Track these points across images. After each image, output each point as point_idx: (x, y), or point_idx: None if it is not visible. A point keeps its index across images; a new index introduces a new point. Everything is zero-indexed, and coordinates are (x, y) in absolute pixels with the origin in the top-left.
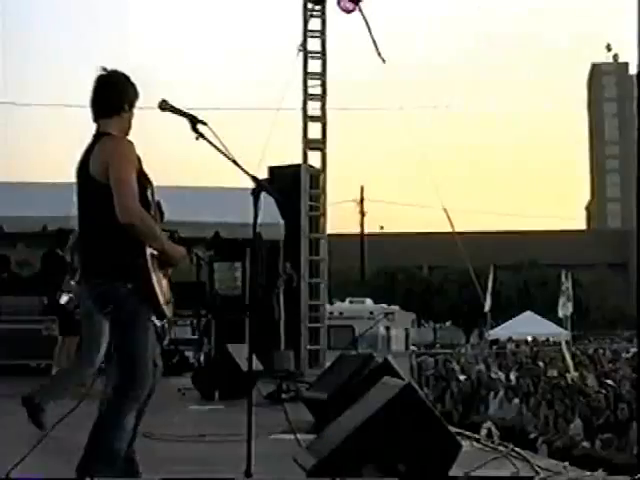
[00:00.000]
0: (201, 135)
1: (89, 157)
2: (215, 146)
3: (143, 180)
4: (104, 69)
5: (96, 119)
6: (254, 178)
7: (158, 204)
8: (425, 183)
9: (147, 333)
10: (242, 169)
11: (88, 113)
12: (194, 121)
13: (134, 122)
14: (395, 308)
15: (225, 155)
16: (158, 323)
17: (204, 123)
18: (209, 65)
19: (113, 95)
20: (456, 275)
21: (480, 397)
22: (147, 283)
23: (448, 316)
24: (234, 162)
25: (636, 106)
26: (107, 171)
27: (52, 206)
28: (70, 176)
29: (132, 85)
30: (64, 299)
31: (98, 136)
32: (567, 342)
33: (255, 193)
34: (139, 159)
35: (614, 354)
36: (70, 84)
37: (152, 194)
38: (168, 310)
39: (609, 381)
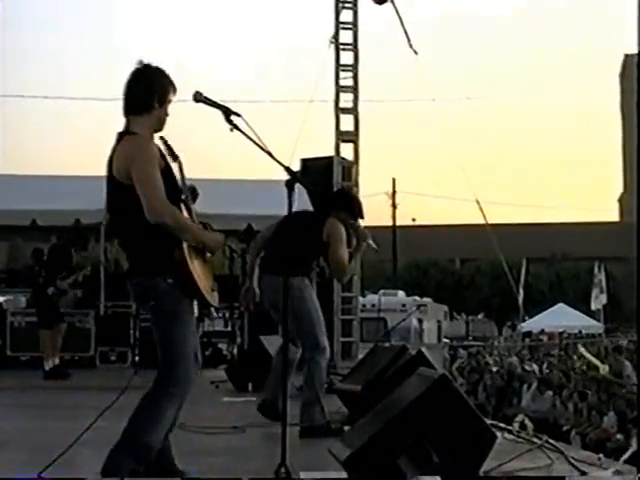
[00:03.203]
0: (235, 127)
1: (113, 157)
2: (250, 137)
3: (170, 173)
4: (140, 62)
5: (126, 115)
6: (288, 169)
7: (192, 188)
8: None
9: (189, 328)
10: (277, 160)
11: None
12: (228, 113)
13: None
14: (427, 300)
15: (260, 147)
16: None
17: (238, 115)
18: (242, 57)
19: (143, 92)
20: (488, 268)
21: (513, 389)
22: (187, 275)
23: (480, 309)
24: (269, 154)
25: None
26: (129, 172)
27: (85, 199)
28: (101, 170)
29: (166, 80)
30: (50, 290)
31: (122, 134)
32: (584, 345)
33: (289, 184)
34: (162, 153)
35: None
36: (105, 77)
37: (182, 172)
38: (213, 298)
39: None
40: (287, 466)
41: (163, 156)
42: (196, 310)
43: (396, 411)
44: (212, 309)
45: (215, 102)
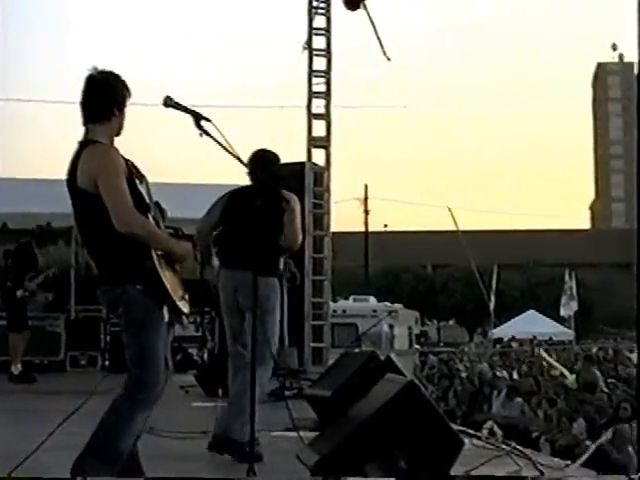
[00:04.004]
0: (205, 132)
1: (76, 167)
2: (219, 143)
3: (134, 183)
4: (95, 69)
5: (85, 123)
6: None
7: (157, 204)
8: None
9: (158, 335)
10: (246, 166)
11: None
12: (198, 118)
13: (137, 120)
14: (398, 306)
15: (229, 152)
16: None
17: (208, 120)
18: (213, 62)
19: (103, 100)
20: (460, 274)
21: (483, 396)
22: (158, 283)
23: (452, 315)
24: (238, 159)
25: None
26: (95, 182)
27: (56, 203)
28: None
29: (123, 86)
30: (19, 293)
31: (84, 143)
32: (546, 350)
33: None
34: (127, 162)
35: (616, 354)
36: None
37: (148, 192)
38: (184, 306)
39: (612, 380)
40: (255, 471)
41: (127, 165)
42: (167, 316)
43: (364, 417)
44: (184, 318)
45: (185, 107)
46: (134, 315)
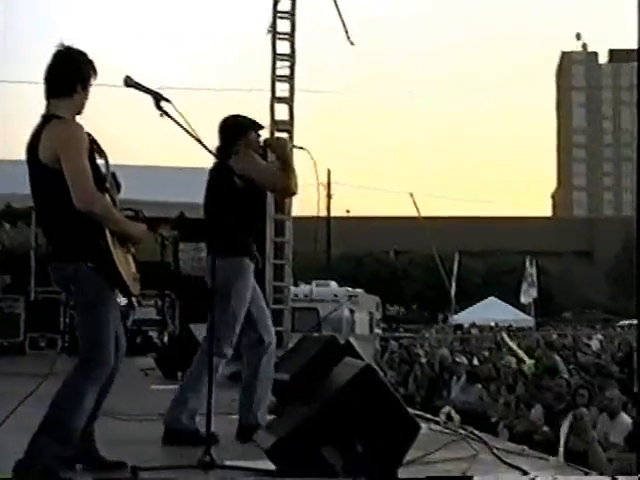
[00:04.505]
0: (165, 112)
1: (38, 141)
2: (179, 124)
3: (94, 158)
4: (62, 45)
5: (47, 97)
6: (216, 156)
7: (113, 175)
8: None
9: (110, 314)
10: (205, 147)
11: None
12: (158, 98)
13: (99, 99)
14: (360, 291)
15: (189, 133)
16: (122, 302)
17: (168, 100)
18: (176, 45)
19: (65, 76)
20: (422, 260)
21: (443, 381)
22: (109, 262)
23: (413, 300)
24: (198, 140)
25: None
26: (57, 158)
27: (16, 183)
28: None
29: (88, 64)
30: None
31: (47, 118)
32: (508, 334)
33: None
34: (89, 137)
35: (575, 341)
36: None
37: (107, 166)
38: (134, 287)
39: (571, 366)
40: (211, 454)
41: (90, 139)
42: (120, 297)
43: (320, 401)
44: (135, 299)
45: (146, 87)
46: (85, 293)
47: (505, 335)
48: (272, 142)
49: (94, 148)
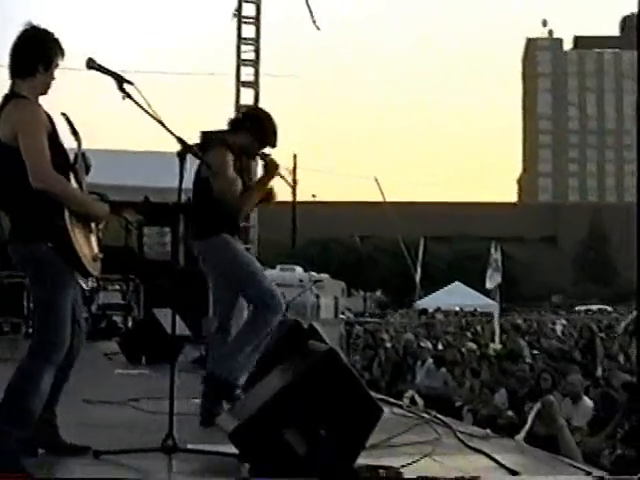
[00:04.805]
0: (128, 95)
1: None
2: (141, 107)
3: (57, 140)
4: (28, 24)
5: (11, 77)
6: (180, 140)
7: (83, 156)
8: (358, 153)
9: (67, 295)
10: (168, 130)
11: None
12: (120, 80)
13: (63, 83)
14: (325, 276)
15: (151, 116)
16: (85, 286)
17: (130, 83)
18: (141, 29)
19: (28, 56)
20: (387, 245)
21: (407, 366)
22: (67, 242)
23: (378, 285)
24: (160, 123)
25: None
26: (15, 135)
27: None
28: None
29: (53, 44)
30: None
31: (8, 97)
32: (480, 322)
33: (181, 155)
34: (51, 120)
35: (539, 326)
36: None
37: (79, 147)
38: (94, 268)
39: (535, 351)
40: (174, 437)
41: (51, 122)
42: (88, 282)
43: (283, 384)
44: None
45: (108, 70)
46: (43, 274)
47: (496, 315)
48: (270, 161)
49: (70, 128)
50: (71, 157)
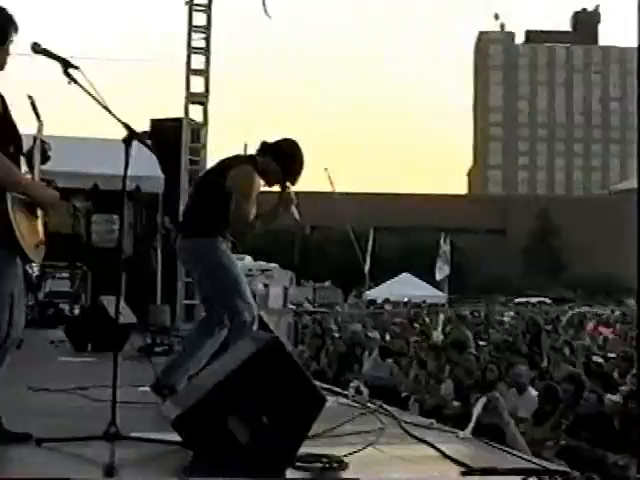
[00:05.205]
0: (74, 80)
1: None
2: (87, 91)
3: (9, 118)
4: None
5: None
6: (126, 126)
7: (43, 142)
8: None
9: (7, 281)
10: (114, 116)
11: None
12: (67, 65)
13: (10, 67)
14: (274, 266)
15: (97, 101)
16: (31, 272)
17: (76, 67)
18: (91, 15)
19: None
20: (337, 236)
21: (355, 356)
22: (6, 226)
23: (328, 276)
24: (106, 109)
25: (637, 102)
26: None
27: None
28: None
29: (7, 20)
30: None
31: None
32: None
33: (126, 141)
34: (3, 100)
35: (487, 317)
36: None
37: (39, 131)
38: (35, 254)
39: (482, 343)
40: (117, 425)
41: (3, 102)
42: (33, 269)
43: (226, 372)
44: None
45: (54, 54)
46: None
47: (442, 316)
48: (287, 195)
49: (34, 111)
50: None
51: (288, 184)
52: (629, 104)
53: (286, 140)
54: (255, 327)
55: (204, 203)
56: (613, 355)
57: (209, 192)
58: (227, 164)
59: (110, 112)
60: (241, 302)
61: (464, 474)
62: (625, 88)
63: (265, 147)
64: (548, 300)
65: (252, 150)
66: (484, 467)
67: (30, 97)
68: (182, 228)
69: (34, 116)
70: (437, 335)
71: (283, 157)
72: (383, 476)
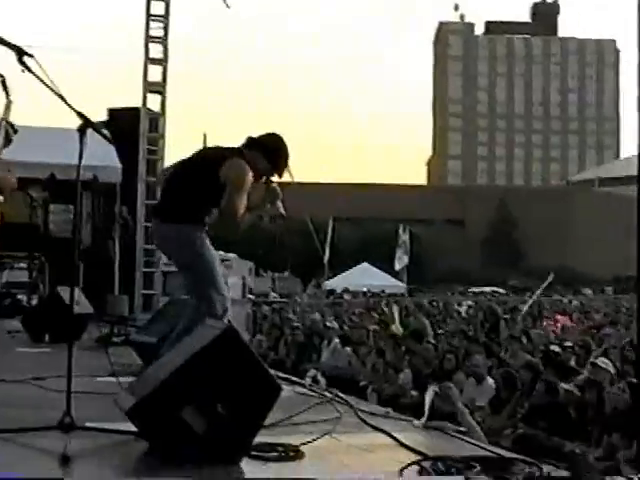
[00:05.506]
0: (28, 68)
1: None
2: (41, 80)
3: None
4: None
5: None
6: (80, 115)
7: (12, 126)
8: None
9: None
10: (68, 105)
11: None
12: (20, 53)
13: None
14: (232, 256)
15: (52, 90)
16: None
17: (30, 55)
18: (48, 2)
19: None
20: (296, 226)
21: (313, 346)
22: None
23: (287, 266)
24: (61, 97)
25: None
26: None
27: None
28: None
29: None
30: None
31: None
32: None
33: (81, 130)
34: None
35: (446, 307)
36: None
37: (6, 112)
38: None
39: (440, 331)
40: (72, 415)
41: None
42: None
43: (181, 361)
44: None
45: (7, 41)
46: None
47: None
48: (273, 190)
49: (4, 90)
50: None
51: (273, 178)
52: (587, 95)
53: (271, 135)
54: (226, 319)
55: (194, 190)
56: (570, 344)
57: (202, 179)
58: (222, 154)
59: (64, 101)
60: (215, 294)
61: (402, 471)
62: (584, 80)
63: (252, 142)
64: (502, 290)
65: (210, 140)
66: (440, 455)
67: (1, 75)
68: (164, 212)
69: (4, 94)
70: (396, 327)
71: (270, 151)
72: (339, 465)
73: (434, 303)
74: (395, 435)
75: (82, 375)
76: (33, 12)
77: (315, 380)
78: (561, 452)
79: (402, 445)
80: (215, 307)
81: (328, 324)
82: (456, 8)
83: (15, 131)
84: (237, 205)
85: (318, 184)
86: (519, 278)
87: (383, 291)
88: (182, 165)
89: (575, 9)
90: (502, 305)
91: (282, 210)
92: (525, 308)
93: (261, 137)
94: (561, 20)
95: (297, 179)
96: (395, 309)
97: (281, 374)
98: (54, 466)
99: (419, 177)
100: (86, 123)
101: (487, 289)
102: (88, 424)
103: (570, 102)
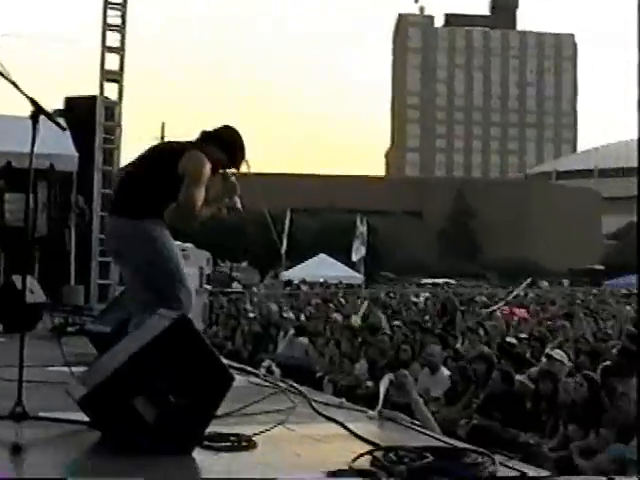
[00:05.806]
0: None
1: None
2: None
3: None
4: None
5: None
6: (32, 101)
7: None
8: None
9: None
10: (21, 91)
11: None
12: None
13: None
14: (189, 246)
15: (3, 76)
16: None
17: None
18: None
19: None
20: (254, 216)
21: (270, 336)
22: None
23: (244, 256)
24: (13, 84)
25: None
26: None
27: None
28: None
29: None
30: None
31: None
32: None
33: (33, 117)
34: None
35: (403, 298)
36: None
37: None
38: None
39: (397, 322)
40: (24, 405)
41: None
42: None
43: (132, 351)
44: None
45: None
46: None
47: (366, 302)
48: (232, 184)
49: None
50: None
51: (229, 172)
52: (545, 89)
53: (226, 127)
54: (191, 313)
55: (153, 184)
56: (526, 336)
57: (160, 173)
58: (180, 147)
59: (17, 87)
60: (181, 287)
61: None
62: (542, 73)
63: (207, 135)
64: (453, 281)
65: (168, 129)
66: (392, 445)
67: None
68: (121, 208)
69: None
70: (355, 320)
71: (227, 144)
72: (292, 455)
73: (391, 294)
74: (348, 425)
75: (35, 365)
76: None
77: (270, 370)
78: (516, 443)
79: (355, 435)
80: (180, 302)
81: (285, 315)
82: (416, 0)
83: None
84: (195, 197)
85: (275, 175)
86: (478, 270)
87: (340, 282)
88: (138, 160)
89: (534, 3)
90: (458, 297)
91: (239, 205)
92: (495, 307)
93: (216, 130)
94: (520, 14)
95: (255, 170)
96: (365, 304)
97: (236, 364)
98: (5, 456)
99: (377, 168)
100: (38, 110)
101: (440, 281)
102: (40, 414)
103: (528, 95)
